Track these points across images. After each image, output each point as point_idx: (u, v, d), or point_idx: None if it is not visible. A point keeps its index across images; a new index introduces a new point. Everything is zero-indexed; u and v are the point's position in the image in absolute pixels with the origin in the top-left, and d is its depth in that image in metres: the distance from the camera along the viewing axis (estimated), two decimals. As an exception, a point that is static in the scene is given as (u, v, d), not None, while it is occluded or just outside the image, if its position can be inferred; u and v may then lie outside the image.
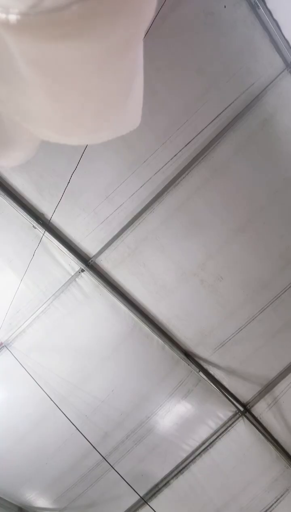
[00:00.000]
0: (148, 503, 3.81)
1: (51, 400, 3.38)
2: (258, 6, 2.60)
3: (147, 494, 4.00)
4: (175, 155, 3.02)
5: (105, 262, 3.35)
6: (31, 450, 3.79)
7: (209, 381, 3.74)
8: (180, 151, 3.01)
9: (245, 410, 3.85)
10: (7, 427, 3.71)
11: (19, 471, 3.87)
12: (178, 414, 3.90)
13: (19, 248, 3.22)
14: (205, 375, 3.72)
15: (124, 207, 3.15)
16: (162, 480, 4.02)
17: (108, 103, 1.06)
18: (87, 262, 3.29)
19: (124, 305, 3.45)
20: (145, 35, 0.97)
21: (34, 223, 3.11)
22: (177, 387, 3.80)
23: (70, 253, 3.21)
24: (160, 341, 3.62)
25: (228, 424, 3.91)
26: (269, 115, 2.98)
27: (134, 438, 3.87)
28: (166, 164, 3.04)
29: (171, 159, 3.03)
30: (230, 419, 3.90)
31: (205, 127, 2.96)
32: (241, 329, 3.56)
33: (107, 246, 3.28)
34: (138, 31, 0.90)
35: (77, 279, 3.37)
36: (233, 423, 3.90)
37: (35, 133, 1.21)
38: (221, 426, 3.92)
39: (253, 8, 2.62)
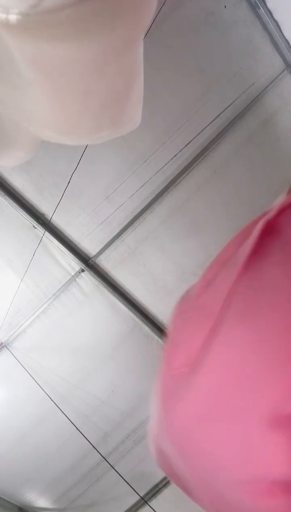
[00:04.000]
0: (148, 503, 3.81)
1: (51, 400, 3.38)
2: (258, 6, 2.60)
3: (147, 494, 4.00)
4: (175, 155, 3.02)
5: (106, 262, 3.35)
6: (31, 450, 3.79)
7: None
8: (180, 151, 3.01)
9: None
10: (7, 427, 3.71)
11: (19, 471, 3.87)
12: (178, 414, 3.90)
13: (19, 248, 3.22)
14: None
15: (124, 207, 3.15)
16: (162, 480, 4.02)
17: (108, 103, 1.06)
18: (88, 262, 3.29)
19: (124, 305, 3.45)
20: (145, 35, 0.97)
21: (34, 223, 3.11)
22: (177, 387, 3.80)
23: (70, 253, 3.22)
24: (160, 341, 3.62)
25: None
26: (269, 115, 2.98)
27: (135, 438, 3.87)
28: (166, 164, 3.04)
29: (171, 159, 3.02)
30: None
31: (205, 127, 2.96)
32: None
33: (107, 246, 3.28)
34: (139, 31, 0.90)
35: (77, 279, 3.37)
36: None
37: (35, 133, 1.21)
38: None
39: (253, 8, 2.62)
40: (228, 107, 2.91)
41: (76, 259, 3.23)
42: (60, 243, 3.19)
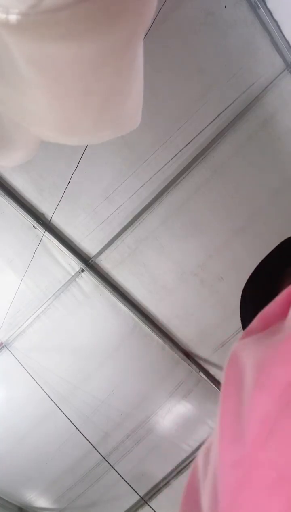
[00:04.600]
0: (148, 503, 3.81)
1: (51, 400, 3.39)
2: (258, 6, 2.60)
3: (147, 494, 4.00)
4: (175, 155, 3.02)
5: (106, 262, 3.35)
6: (31, 450, 3.79)
7: (209, 381, 3.73)
8: (180, 151, 3.01)
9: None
10: (7, 427, 3.71)
11: (19, 471, 3.87)
12: (178, 414, 3.90)
13: (19, 248, 3.22)
14: (205, 375, 3.72)
15: (124, 207, 3.15)
16: (162, 480, 4.02)
17: (108, 103, 1.06)
18: (88, 262, 3.29)
19: (124, 305, 3.45)
20: (145, 35, 0.97)
21: (34, 223, 3.11)
22: (177, 387, 3.80)
23: (70, 253, 3.22)
24: (160, 341, 3.62)
25: (228, 424, 3.90)
26: (269, 115, 2.98)
27: (135, 438, 3.87)
28: (166, 164, 3.04)
29: (171, 159, 3.03)
30: (230, 419, 3.90)
31: (205, 127, 2.96)
32: (242, 329, 3.55)
33: (107, 246, 3.28)
34: (139, 31, 0.90)
35: (77, 279, 3.37)
36: (233, 423, 3.89)
37: (35, 133, 1.21)
38: (221, 426, 3.92)
39: (253, 8, 2.62)
40: (228, 107, 2.91)
41: (76, 259, 3.23)
42: (60, 243, 3.19)
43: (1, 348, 3.50)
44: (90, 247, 3.28)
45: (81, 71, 0.90)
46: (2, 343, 3.51)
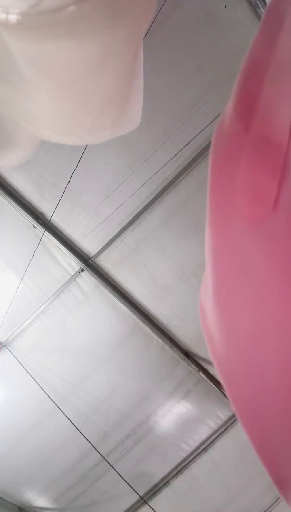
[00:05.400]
0: (148, 502, 3.81)
1: (51, 400, 3.39)
2: (258, 6, 2.60)
3: (146, 494, 4.00)
4: (175, 155, 3.02)
5: (105, 262, 3.35)
6: (31, 449, 3.79)
7: (209, 381, 3.73)
8: (180, 151, 3.01)
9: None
10: (7, 427, 3.71)
11: (19, 471, 3.87)
12: (177, 414, 3.90)
13: (19, 248, 3.22)
14: (205, 375, 3.72)
15: (124, 207, 3.15)
16: (161, 480, 4.02)
17: (108, 103, 1.06)
18: (87, 262, 3.29)
19: (124, 305, 3.45)
20: (145, 35, 0.97)
21: (34, 223, 3.11)
22: (177, 387, 3.80)
23: (70, 253, 3.22)
24: (160, 341, 3.62)
25: (227, 424, 3.91)
26: (269, 115, 2.98)
27: (134, 438, 3.87)
28: (166, 164, 3.04)
29: (171, 159, 3.02)
30: (229, 418, 3.90)
31: (205, 127, 2.96)
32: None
33: (107, 246, 3.28)
34: (139, 31, 0.90)
35: (77, 279, 3.37)
36: (232, 422, 3.90)
37: (35, 133, 1.21)
38: (221, 426, 3.92)
39: (253, 8, 2.62)
40: (228, 107, 2.91)
41: (76, 258, 3.23)
42: (60, 242, 3.19)
43: (1, 348, 3.51)
44: (90, 246, 3.28)
45: (81, 71, 0.90)
46: (2, 343, 3.51)
